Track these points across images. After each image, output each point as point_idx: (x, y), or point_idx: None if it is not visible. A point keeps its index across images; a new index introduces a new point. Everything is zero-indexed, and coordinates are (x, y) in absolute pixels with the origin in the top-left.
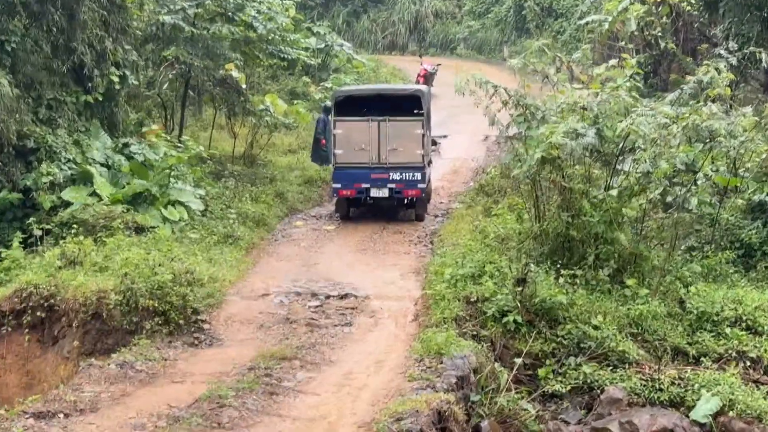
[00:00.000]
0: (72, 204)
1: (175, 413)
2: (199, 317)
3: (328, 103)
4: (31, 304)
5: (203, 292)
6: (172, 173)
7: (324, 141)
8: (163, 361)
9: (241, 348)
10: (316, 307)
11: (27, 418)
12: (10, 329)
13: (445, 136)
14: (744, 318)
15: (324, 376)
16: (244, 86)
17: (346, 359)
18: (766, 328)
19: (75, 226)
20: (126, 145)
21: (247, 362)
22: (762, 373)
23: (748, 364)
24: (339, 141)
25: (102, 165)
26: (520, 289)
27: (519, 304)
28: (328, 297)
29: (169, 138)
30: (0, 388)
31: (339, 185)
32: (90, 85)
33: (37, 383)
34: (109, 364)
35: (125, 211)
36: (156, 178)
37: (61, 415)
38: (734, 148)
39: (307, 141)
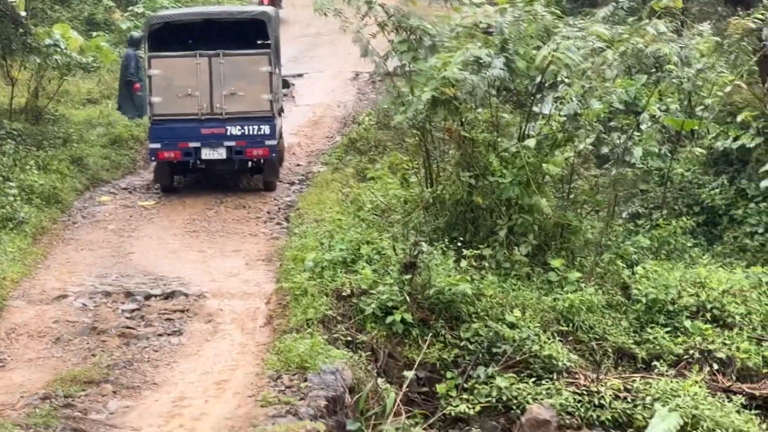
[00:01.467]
0: None
1: None
2: None
3: (140, 33)
4: None
5: None
6: None
7: (138, 85)
8: None
9: (31, 370)
10: (133, 311)
11: None
12: None
13: (300, 75)
14: (708, 306)
15: (146, 404)
16: (23, 13)
17: (175, 380)
18: (737, 318)
19: None
20: None
21: (39, 389)
22: (733, 378)
23: (716, 367)
24: (156, 85)
25: None
26: (408, 277)
27: (408, 298)
28: (148, 297)
29: None
30: None
31: (158, 145)
32: None
33: None
34: None
35: None
36: None
37: None
38: (689, 80)
39: (113, 86)
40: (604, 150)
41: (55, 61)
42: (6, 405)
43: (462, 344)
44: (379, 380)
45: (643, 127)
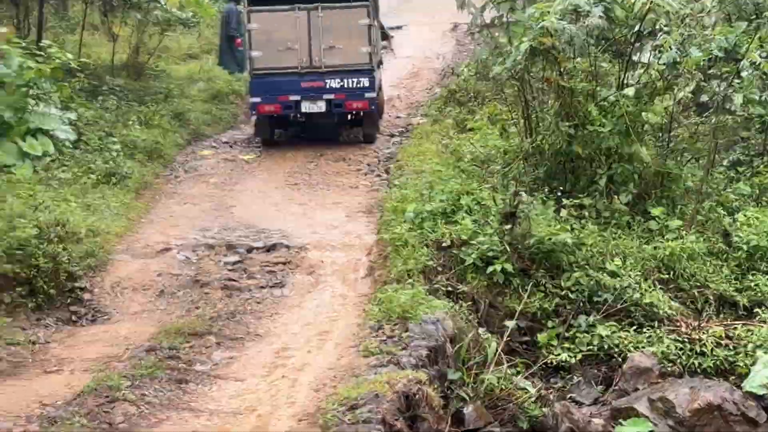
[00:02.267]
0: None
1: (50, 413)
2: (76, 284)
3: None
4: None
5: (81, 250)
6: (31, 92)
7: (240, 40)
8: (31, 344)
9: (136, 323)
10: (235, 263)
11: None
12: None
13: (399, 27)
14: None
15: (249, 355)
16: None
17: (278, 332)
18: None
19: None
20: None
21: (144, 341)
22: None
23: None
24: (256, 39)
25: None
26: (508, 227)
27: (508, 248)
28: (250, 250)
29: (24, 44)
30: None
31: (258, 99)
32: None
33: None
34: None
35: None
36: (8, 100)
37: None
38: None
39: (213, 41)
40: (704, 98)
41: (156, 17)
42: (112, 357)
43: (563, 293)
44: (480, 330)
45: (743, 74)
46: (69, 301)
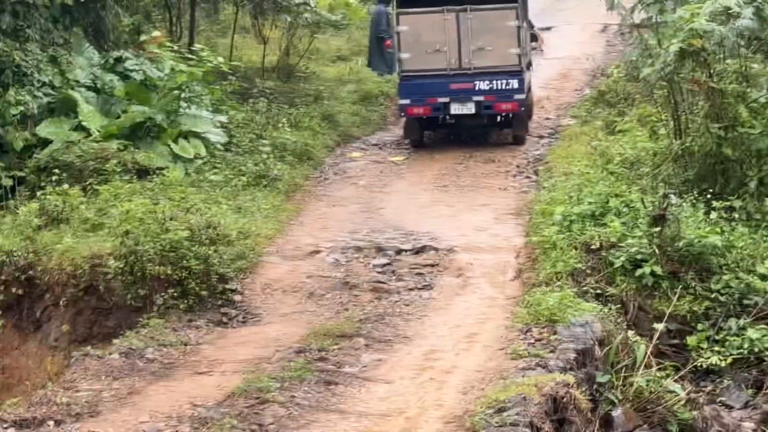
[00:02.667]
0: (51, 142)
1: (201, 414)
2: (227, 286)
3: None
4: (2, 277)
5: (232, 252)
6: (183, 95)
7: (389, 42)
8: (182, 346)
9: (286, 325)
10: (384, 266)
11: (6, 428)
12: None
13: (548, 29)
14: None
15: (397, 357)
16: None
17: (426, 334)
18: None
19: (57, 171)
20: (119, 59)
21: (294, 343)
22: None
23: None
24: (405, 41)
25: (88, 88)
26: (658, 229)
27: (657, 251)
28: (398, 252)
29: (176, 48)
30: None
31: (407, 101)
32: None
33: (16, 382)
34: (110, 354)
35: (122, 148)
36: (161, 103)
37: (51, 423)
38: None
39: (362, 43)
40: None
41: (305, 19)
42: (262, 359)
43: (712, 296)
44: (629, 333)
45: None
46: (220, 302)
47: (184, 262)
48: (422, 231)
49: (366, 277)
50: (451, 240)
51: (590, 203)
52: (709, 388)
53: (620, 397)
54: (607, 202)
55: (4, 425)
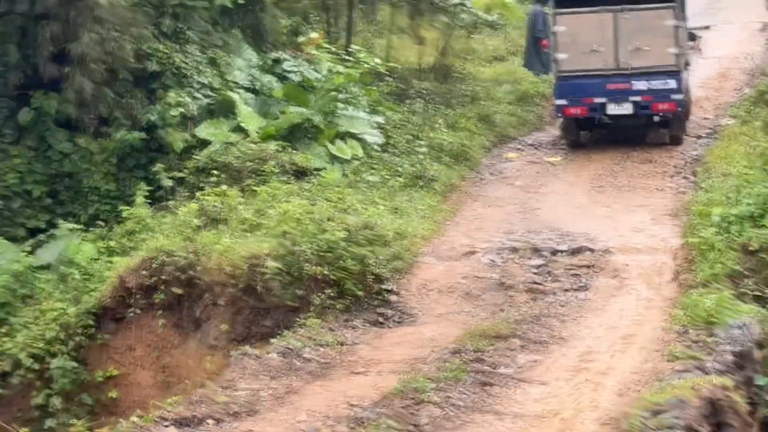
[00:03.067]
0: (210, 143)
1: (357, 414)
2: (383, 286)
3: None
4: (163, 277)
5: (388, 253)
6: (340, 96)
7: (546, 42)
8: (339, 346)
9: (441, 325)
10: (539, 266)
11: (167, 426)
12: (138, 312)
13: (707, 28)
14: None
15: (553, 358)
16: None
17: (582, 335)
18: None
19: (215, 172)
20: (277, 61)
21: (449, 344)
22: None
23: None
24: (562, 42)
25: (247, 90)
26: None
27: None
28: (554, 253)
29: (333, 49)
30: (130, 387)
31: (564, 101)
32: None
33: (176, 380)
34: (268, 353)
35: (280, 149)
36: (319, 104)
37: (210, 421)
38: None
39: (518, 43)
40: None
41: (462, 19)
42: (418, 359)
43: None
44: None
45: None
46: (376, 303)
47: (341, 262)
48: (578, 232)
49: (522, 278)
50: (608, 241)
51: (749, 204)
52: None
53: None
54: (766, 203)
55: (165, 423)
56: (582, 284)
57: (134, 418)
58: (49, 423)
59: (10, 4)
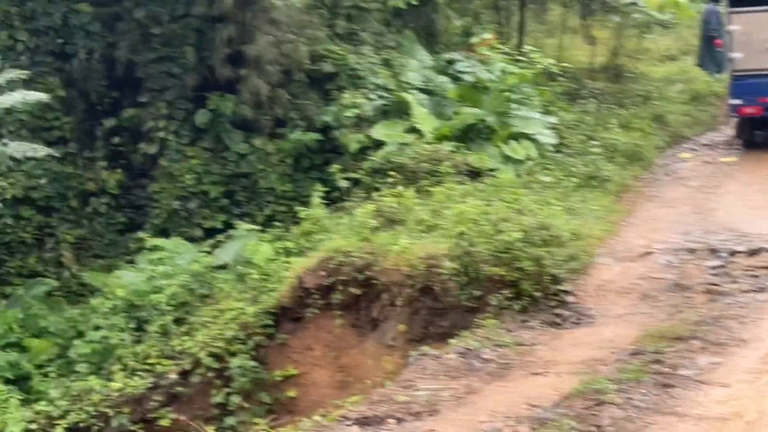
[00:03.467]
0: (385, 144)
1: (539, 414)
2: (560, 287)
3: None
4: (341, 277)
5: (564, 253)
6: (513, 97)
7: (719, 41)
8: (517, 346)
9: (619, 326)
10: (717, 267)
11: (349, 425)
12: (316, 312)
13: None
14: None
15: (734, 360)
16: None
17: (763, 337)
18: None
19: (391, 173)
20: (450, 62)
21: (628, 345)
22: None
23: None
24: (737, 40)
25: (421, 90)
26: None
27: None
28: (732, 254)
29: (506, 50)
30: (308, 387)
31: (739, 101)
32: None
33: (354, 380)
34: (447, 353)
35: (454, 150)
36: (492, 105)
37: (392, 421)
38: None
39: (691, 42)
40: None
41: (634, 19)
42: (597, 360)
43: None
44: None
45: None
46: (553, 304)
47: (518, 263)
48: (756, 232)
49: (699, 279)
50: None
51: None
52: None
53: None
54: None
55: (347, 422)
56: (762, 286)
57: (317, 417)
58: (229, 421)
59: (187, 8)
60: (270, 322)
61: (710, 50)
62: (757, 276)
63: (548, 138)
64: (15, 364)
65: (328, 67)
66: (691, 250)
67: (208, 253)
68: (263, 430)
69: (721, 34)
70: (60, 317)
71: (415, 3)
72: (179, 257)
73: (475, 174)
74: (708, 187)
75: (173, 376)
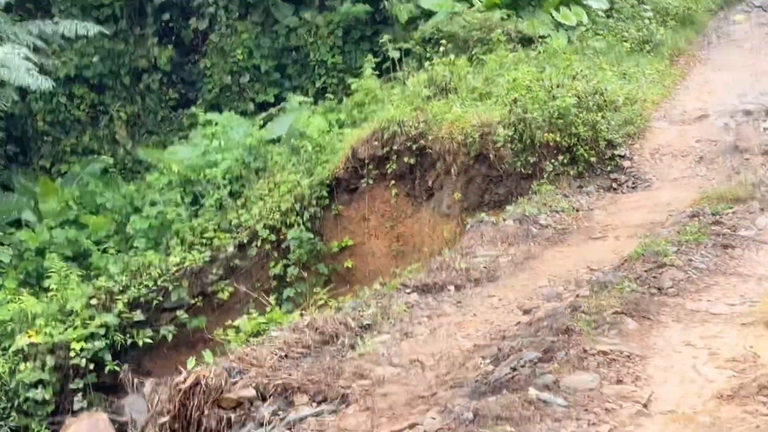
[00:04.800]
0: (435, 13)
1: (599, 278)
2: (616, 152)
3: None
4: (395, 147)
5: (619, 118)
6: None
7: None
8: (574, 211)
9: (676, 189)
10: None
11: (409, 293)
12: (371, 182)
13: None
14: None
15: None
16: None
17: None
18: None
19: (442, 42)
20: None
21: (686, 207)
22: None
23: None
24: None
25: None
26: None
27: None
28: None
29: None
30: (365, 257)
31: None
32: None
33: (411, 249)
34: (504, 220)
35: (505, 17)
36: None
37: (452, 287)
38: None
39: None
40: None
41: None
42: (655, 223)
43: None
44: None
45: None
46: (609, 168)
47: (573, 128)
48: None
49: (757, 141)
50: None
51: None
52: None
53: None
54: None
55: (407, 290)
56: None
57: (376, 286)
58: (288, 292)
59: None
60: (325, 193)
61: None
62: None
63: (599, 3)
64: (74, 240)
65: None
66: (748, 112)
67: (262, 126)
68: (322, 299)
69: None
70: (116, 194)
71: None
72: (232, 131)
73: (526, 41)
74: (762, 48)
75: (231, 249)
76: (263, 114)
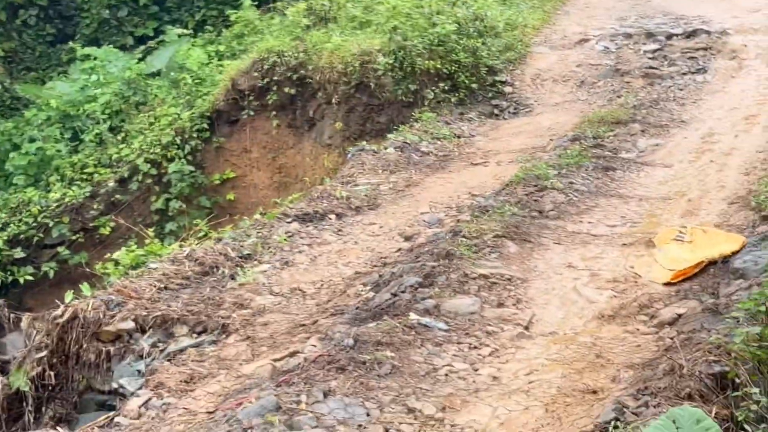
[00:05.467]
0: None
1: (480, 203)
2: (497, 78)
3: None
4: (275, 78)
5: (500, 44)
6: None
7: None
8: (456, 138)
9: (558, 114)
10: (655, 51)
11: (289, 222)
12: (252, 114)
13: None
14: None
15: (675, 141)
16: None
17: (702, 117)
18: None
19: None
20: None
21: (568, 131)
22: None
23: None
24: None
25: None
26: None
27: None
28: (669, 36)
29: None
30: (247, 189)
31: None
32: None
33: (293, 180)
34: (385, 148)
35: None
36: None
37: (333, 216)
38: None
39: None
40: None
41: None
42: (537, 148)
43: None
44: None
45: None
46: (490, 94)
47: (453, 55)
48: (692, 15)
49: (637, 64)
50: (723, 22)
51: None
52: None
53: None
54: None
55: (288, 219)
56: (699, 67)
57: (256, 216)
58: (170, 226)
59: None
60: (206, 126)
61: None
62: (694, 57)
63: None
64: None
65: None
66: (628, 35)
67: (141, 60)
68: (203, 231)
69: None
70: None
71: None
72: (111, 66)
73: None
74: None
75: (112, 184)
76: (142, 47)
